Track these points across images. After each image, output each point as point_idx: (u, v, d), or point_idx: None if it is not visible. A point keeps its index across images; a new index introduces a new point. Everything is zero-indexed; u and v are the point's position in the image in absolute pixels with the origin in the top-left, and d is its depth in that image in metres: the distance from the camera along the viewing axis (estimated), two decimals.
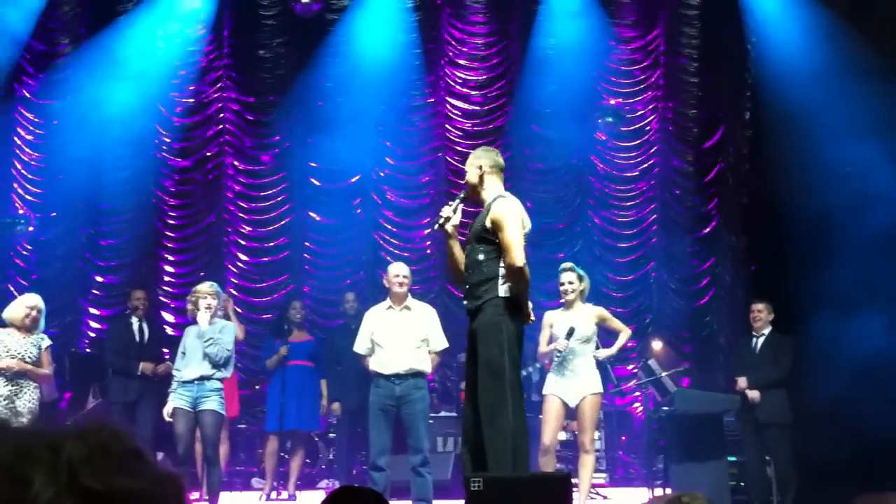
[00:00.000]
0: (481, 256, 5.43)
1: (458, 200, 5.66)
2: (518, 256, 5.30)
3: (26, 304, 7.52)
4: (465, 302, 5.58)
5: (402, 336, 7.55)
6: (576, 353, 7.50)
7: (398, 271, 7.78)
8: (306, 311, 10.60)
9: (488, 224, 5.42)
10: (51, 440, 1.01)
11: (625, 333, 7.82)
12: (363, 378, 8.21)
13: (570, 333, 7.42)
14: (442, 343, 7.74)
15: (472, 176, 5.64)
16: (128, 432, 1.08)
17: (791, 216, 10.03)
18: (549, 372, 7.67)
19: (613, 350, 7.81)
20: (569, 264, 7.84)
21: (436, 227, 5.64)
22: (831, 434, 8.57)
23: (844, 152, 9.91)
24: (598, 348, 7.72)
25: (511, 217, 5.40)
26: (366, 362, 7.78)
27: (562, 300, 7.77)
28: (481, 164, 5.63)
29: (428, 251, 11.56)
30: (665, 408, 9.04)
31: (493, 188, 5.62)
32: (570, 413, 7.74)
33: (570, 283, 7.63)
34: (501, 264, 5.36)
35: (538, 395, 8.40)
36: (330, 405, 9.51)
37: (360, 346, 7.80)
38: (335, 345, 9.51)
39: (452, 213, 5.58)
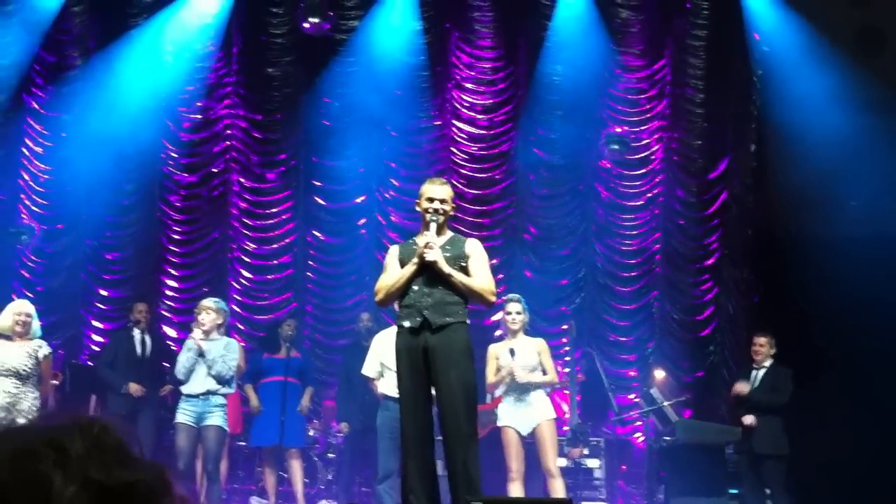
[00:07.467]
0: None
1: (433, 230, 5.61)
2: (494, 293, 5.75)
3: (13, 310, 7.53)
4: (425, 312, 5.48)
5: None
6: (523, 384, 7.40)
7: None
8: (308, 329, 10.57)
9: (468, 252, 5.64)
10: (50, 437, 1.02)
11: (550, 377, 7.55)
12: (371, 399, 8.22)
13: (513, 353, 7.41)
14: None
15: (451, 208, 5.80)
16: (114, 424, 1.10)
17: (795, 248, 10.07)
18: (500, 404, 7.58)
19: (534, 379, 7.42)
20: (515, 295, 7.75)
21: (429, 258, 5.49)
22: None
23: (849, 185, 9.98)
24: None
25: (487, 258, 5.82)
26: (374, 385, 7.82)
27: (498, 332, 7.70)
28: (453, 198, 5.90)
29: None
30: (666, 437, 9.03)
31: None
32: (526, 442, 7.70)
33: (518, 313, 7.52)
34: None
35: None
36: (339, 424, 9.52)
37: (368, 370, 7.84)
38: (345, 364, 9.52)
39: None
